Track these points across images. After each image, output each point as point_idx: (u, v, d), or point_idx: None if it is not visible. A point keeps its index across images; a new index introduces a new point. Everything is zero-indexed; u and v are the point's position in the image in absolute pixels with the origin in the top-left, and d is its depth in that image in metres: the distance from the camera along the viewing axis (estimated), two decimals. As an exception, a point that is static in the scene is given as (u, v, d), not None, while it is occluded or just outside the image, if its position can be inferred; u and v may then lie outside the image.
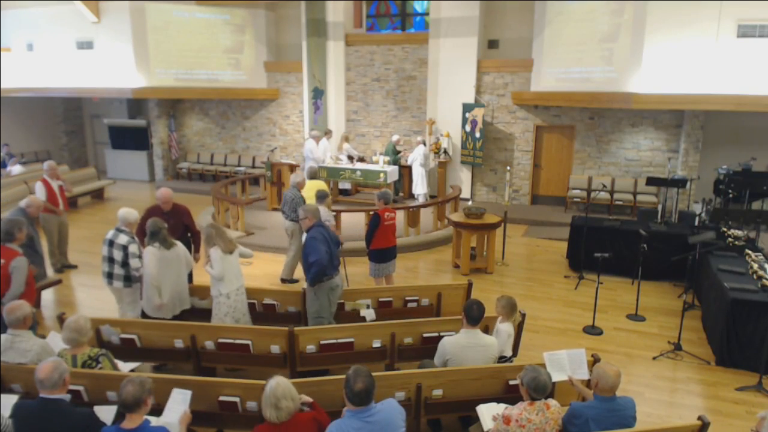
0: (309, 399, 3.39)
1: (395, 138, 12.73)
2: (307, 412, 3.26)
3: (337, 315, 5.53)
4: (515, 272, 8.71)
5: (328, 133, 13.03)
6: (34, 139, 16.36)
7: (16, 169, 12.88)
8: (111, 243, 5.58)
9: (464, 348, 4.27)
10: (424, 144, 12.38)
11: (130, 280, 5.64)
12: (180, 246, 5.55)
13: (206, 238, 5.28)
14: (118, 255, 5.55)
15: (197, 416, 3.86)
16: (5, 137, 14.47)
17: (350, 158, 12.78)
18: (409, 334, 5.00)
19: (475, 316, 4.25)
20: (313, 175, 9.00)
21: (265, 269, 8.61)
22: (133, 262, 5.50)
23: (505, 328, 4.65)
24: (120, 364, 4.31)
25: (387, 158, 12.22)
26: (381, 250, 6.88)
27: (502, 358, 4.58)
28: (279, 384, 3.11)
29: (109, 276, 5.64)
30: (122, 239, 5.55)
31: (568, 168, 12.60)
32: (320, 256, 5.06)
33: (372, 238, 6.79)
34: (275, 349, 4.80)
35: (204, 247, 5.40)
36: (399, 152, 12.60)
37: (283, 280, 8.04)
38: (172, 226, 5.97)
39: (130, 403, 3.02)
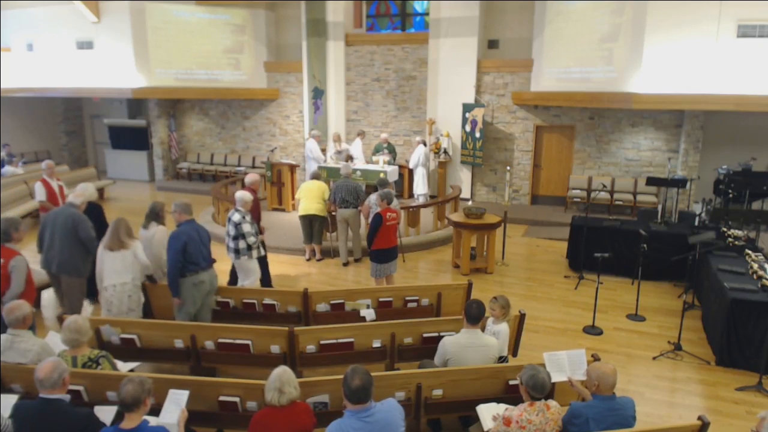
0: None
1: (383, 136, 12.66)
2: (304, 403, 3.39)
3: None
4: (515, 272, 8.71)
5: (361, 134, 12.93)
6: (34, 139, 16.36)
7: (7, 169, 12.57)
8: (228, 220, 6.50)
9: (465, 347, 4.28)
10: (424, 144, 12.37)
11: (238, 252, 6.44)
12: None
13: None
14: (231, 230, 6.40)
15: (197, 416, 3.86)
16: (5, 137, 14.47)
17: (350, 158, 12.78)
18: (409, 334, 5.00)
19: (474, 315, 4.27)
20: (315, 177, 9.05)
21: (265, 269, 8.61)
22: (249, 239, 6.39)
23: (504, 329, 4.65)
24: (119, 364, 4.31)
25: (387, 158, 12.21)
26: (382, 250, 6.89)
27: (501, 359, 4.58)
28: (285, 371, 3.34)
29: (227, 248, 6.53)
30: (236, 217, 6.39)
31: (568, 168, 12.60)
32: (174, 256, 5.22)
33: (374, 238, 6.80)
34: (275, 349, 4.80)
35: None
36: (383, 149, 12.43)
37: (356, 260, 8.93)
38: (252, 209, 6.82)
39: (130, 402, 3.03)
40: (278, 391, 3.26)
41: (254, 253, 6.54)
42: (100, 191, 13.68)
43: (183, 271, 5.29)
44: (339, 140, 12.65)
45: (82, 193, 6.05)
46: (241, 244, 6.42)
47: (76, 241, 5.83)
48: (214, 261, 5.61)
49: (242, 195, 6.56)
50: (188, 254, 5.27)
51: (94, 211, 6.61)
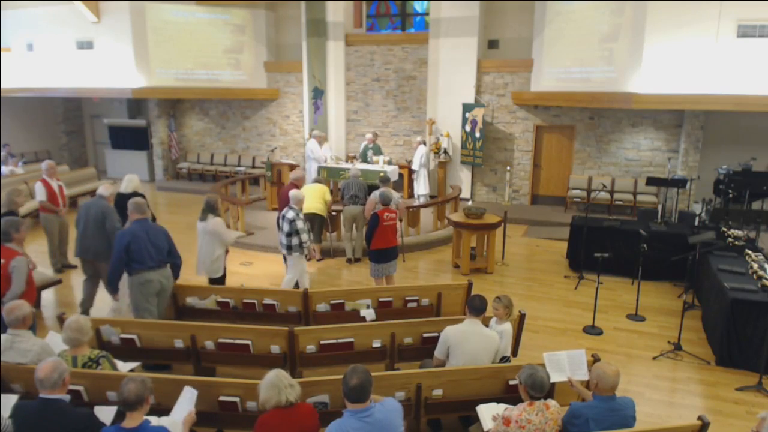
0: None
1: (368, 137, 12.49)
2: (309, 405, 3.32)
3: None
4: (515, 272, 8.71)
5: (375, 135, 12.85)
6: (34, 139, 16.36)
7: (3, 169, 12.51)
8: (282, 217, 6.72)
9: (465, 333, 4.33)
10: (425, 144, 12.37)
11: (291, 248, 6.66)
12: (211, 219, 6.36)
13: None
14: (286, 227, 6.62)
15: (197, 416, 3.85)
16: (5, 137, 14.46)
17: (352, 159, 12.78)
18: (409, 334, 5.00)
19: (477, 306, 4.37)
20: (316, 182, 9.13)
21: (266, 269, 8.62)
22: (302, 236, 6.61)
23: (507, 329, 4.66)
24: (119, 364, 4.31)
25: (387, 158, 12.20)
26: (381, 250, 6.90)
27: (503, 359, 4.59)
28: (281, 371, 3.27)
29: (281, 244, 6.79)
30: (290, 214, 6.61)
31: (568, 168, 12.60)
32: (116, 254, 5.32)
33: (371, 238, 6.82)
34: (275, 349, 4.80)
35: None
36: (369, 150, 12.24)
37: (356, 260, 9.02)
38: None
39: (133, 401, 3.03)
40: (286, 389, 3.18)
41: (305, 251, 6.76)
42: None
43: (128, 270, 5.36)
44: (325, 141, 12.65)
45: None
46: (294, 241, 6.62)
47: (104, 232, 6.44)
48: (170, 261, 5.55)
49: (296, 193, 6.79)
50: (132, 252, 5.27)
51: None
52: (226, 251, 6.62)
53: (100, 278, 6.73)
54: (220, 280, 6.57)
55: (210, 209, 6.38)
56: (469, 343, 4.30)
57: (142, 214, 5.51)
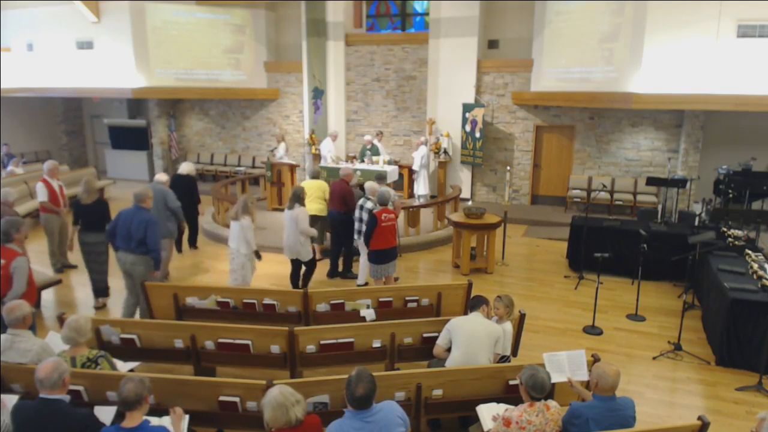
0: None
1: (367, 138, 12.50)
2: (314, 416, 3.25)
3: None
4: (515, 272, 8.71)
5: (379, 134, 12.87)
6: (34, 139, 16.35)
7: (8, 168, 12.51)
8: (361, 207, 7.45)
9: (466, 320, 4.52)
10: (425, 144, 12.36)
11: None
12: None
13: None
14: (364, 216, 7.29)
15: (197, 416, 3.86)
16: (5, 137, 14.46)
17: (352, 159, 12.78)
18: (409, 334, 5.00)
19: (471, 303, 4.65)
20: (315, 175, 9.04)
21: (266, 269, 8.60)
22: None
23: (508, 328, 4.68)
24: (119, 363, 4.31)
25: (387, 158, 12.20)
26: (380, 251, 6.91)
27: (502, 358, 4.59)
28: (284, 387, 3.11)
29: (359, 233, 7.42)
30: (369, 204, 7.33)
31: (568, 168, 12.60)
32: (108, 228, 6.32)
33: (370, 238, 6.84)
34: (275, 349, 4.80)
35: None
36: (367, 152, 12.21)
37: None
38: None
39: (132, 400, 3.03)
40: (294, 406, 3.02)
41: None
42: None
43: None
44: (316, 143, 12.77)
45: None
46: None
47: (166, 210, 7.50)
48: (143, 252, 6.04)
49: (371, 185, 7.55)
50: (114, 229, 6.19)
51: (189, 182, 8.99)
52: (312, 239, 7.37)
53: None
54: (311, 264, 7.37)
55: (297, 199, 7.09)
56: (470, 325, 4.47)
57: (140, 202, 6.16)
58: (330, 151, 12.27)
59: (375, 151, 12.35)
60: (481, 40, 12.61)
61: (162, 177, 8.04)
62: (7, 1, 14.15)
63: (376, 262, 6.97)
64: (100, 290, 7.17)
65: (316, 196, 8.67)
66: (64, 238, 8.54)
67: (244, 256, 6.61)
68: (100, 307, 7.10)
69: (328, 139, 12.47)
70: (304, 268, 7.44)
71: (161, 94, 14.66)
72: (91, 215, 6.95)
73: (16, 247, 5.19)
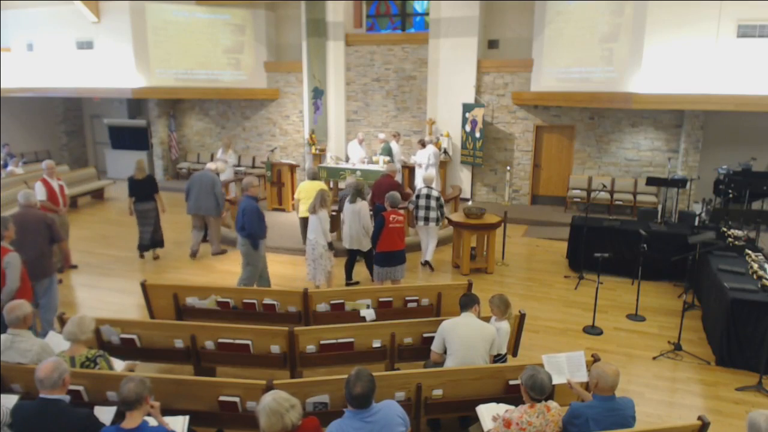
0: None
1: (381, 137, 12.47)
2: (311, 418, 3.23)
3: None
4: (515, 272, 8.71)
5: (396, 135, 12.66)
6: (34, 139, 16.36)
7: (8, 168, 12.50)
8: (428, 196, 8.19)
9: (458, 323, 4.41)
10: (432, 143, 12.20)
11: (438, 220, 8.33)
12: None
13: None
14: (433, 203, 8.20)
15: (197, 416, 3.86)
16: (5, 137, 14.47)
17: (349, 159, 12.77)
18: (409, 334, 5.00)
19: (462, 303, 4.52)
20: (314, 176, 9.04)
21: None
22: (444, 209, 8.32)
23: (504, 326, 4.66)
24: (117, 362, 4.30)
25: (387, 158, 12.17)
26: (385, 253, 6.90)
27: (497, 357, 4.59)
28: (278, 393, 3.06)
29: (426, 219, 8.29)
30: (435, 193, 8.19)
31: (568, 168, 12.60)
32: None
33: (377, 239, 6.85)
34: (275, 349, 4.80)
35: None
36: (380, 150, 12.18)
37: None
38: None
39: (132, 400, 3.03)
40: (288, 411, 2.96)
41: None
42: (100, 191, 13.70)
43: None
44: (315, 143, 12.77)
45: (215, 163, 9.40)
46: (440, 213, 8.22)
47: (213, 195, 8.82)
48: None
49: (430, 174, 8.82)
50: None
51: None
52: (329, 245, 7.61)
53: (206, 228, 9.22)
54: (369, 254, 7.62)
55: (358, 193, 7.39)
56: (463, 328, 4.37)
57: (246, 190, 7.16)
58: (356, 154, 12.14)
59: (385, 152, 12.29)
60: (481, 40, 12.61)
61: (212, 165, 9.24)
62: (7, 1, 14.15)
63: (381, 264, 6.96)
64: (157, 242, 9.06)
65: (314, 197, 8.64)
66: (65, 237, 8.53)
67: (323, 247, 7.08)
68: (156, 258, 9.05)
69: (354, 142, 12.36)
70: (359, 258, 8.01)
71: (161, 94, 14.66)
72: (143, 189, 8.85)
73: (6, 245, 5.23)
